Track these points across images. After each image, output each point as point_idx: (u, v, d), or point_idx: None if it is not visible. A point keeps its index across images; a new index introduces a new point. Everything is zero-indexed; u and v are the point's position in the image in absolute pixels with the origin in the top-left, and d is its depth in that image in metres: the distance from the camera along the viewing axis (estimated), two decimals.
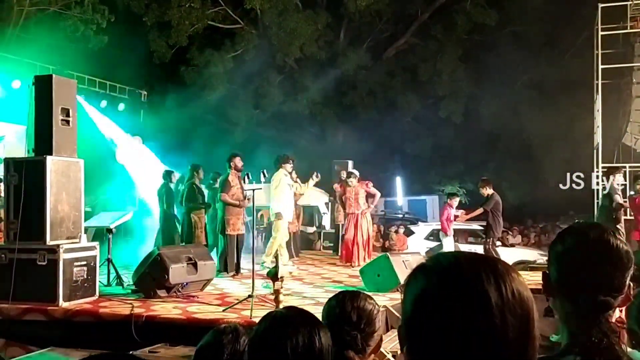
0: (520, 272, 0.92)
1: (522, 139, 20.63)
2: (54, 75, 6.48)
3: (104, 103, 13.49)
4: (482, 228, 11.51)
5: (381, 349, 4.91)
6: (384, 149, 20.87)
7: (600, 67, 12.53)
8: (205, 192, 9.76)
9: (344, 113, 21.31)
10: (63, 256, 5.96)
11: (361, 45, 21.12)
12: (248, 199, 8.47)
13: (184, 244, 8.94)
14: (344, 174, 10.92)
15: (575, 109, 17.04)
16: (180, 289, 6.62)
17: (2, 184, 7.32)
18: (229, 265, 8.54)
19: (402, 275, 6.85)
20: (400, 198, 21.49)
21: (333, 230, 12.77)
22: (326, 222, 14.40)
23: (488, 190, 9.53)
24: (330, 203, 13.53)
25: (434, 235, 13.19)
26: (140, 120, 14.86)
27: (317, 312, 2.01)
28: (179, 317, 5.63)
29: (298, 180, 10.10)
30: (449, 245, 10.21)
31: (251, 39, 19.96)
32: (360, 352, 2.14)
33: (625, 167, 11.32)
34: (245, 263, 8.74)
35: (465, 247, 12.51)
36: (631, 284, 1.34)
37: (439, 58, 20.42)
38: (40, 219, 5.96)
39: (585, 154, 14.37)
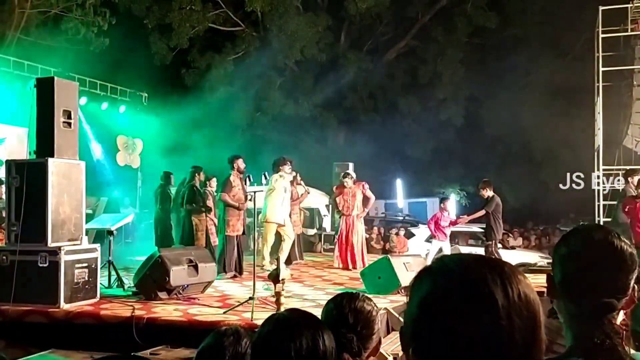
0: None
1: (523, 142, 20.63)
2: (55, 78, 6.49)
3: (105, 105, 13.52)
4: (482, 230, 11.51)
5: (382, 351, 4.90)
6: (385, 151, 20.87)
7: (601, 69, 12.55)
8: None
9: (344, 115, 21.32)
10: (64, 258, 5.95)
11: (362, 48, 21.15)
12: (250, 200, 8.49)
13: (183, 245, 8.95)
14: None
15: (576, 112, 17.05)
16: (181, 291, 6.62)
17: (3, 186, 7.32)
18: (227, 266, 8.53)
19: (403, 277, 6.85)
20: (401, 200, 21.49)
21: (333, 233, 12.76)
22: (327, 224, 14.40)
23: (488, 192, 9.51)
24: (330, 205, 13.53)
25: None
26: (141, 123, 14.88)
27: (318, 314, 2.01)
28: (180, 319, 5.63)
29: (302, 182, 10.12)
30: (434, 249, 10.21)
31: (252, 41, 20.00)
32: (357, 355, 2.13)
33: (626, 170, 11.31)
34: (246, 266, 8.75)
35: (465, 249, 12.51)
36: (635, 286, 1.34)
37: (440, 61, 20.44)
38: (41, 221, 5.96)
39: (586, 157, 14.38)
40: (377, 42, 21.71)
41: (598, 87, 12.78)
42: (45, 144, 6.11)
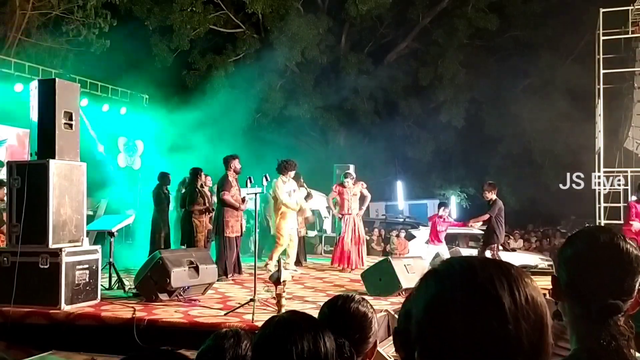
0: None
1: (523, 144, 20.65)
2: (57, 79, 6.49)
3: (106, 107, 13.51)
4: (482, 232, 11.48)
5: (383, 353, 4.89)
6: (385, 153, 20.88)
7: (602, 72, 12.56)
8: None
9: (345, 117, 21.32)
10: (65, 259, 5.95)
11: (362, 50, 21.16)
12: (247, 202, 8.48)
13: (184, 247, 8.94)
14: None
15: (577, 114, 17.06)
16: (181, 293, 6.62)
17: (4, 187, 7.32)
18: (228, 269, 8.48)
19: (404, 279, 6.84)
20: (401, 202, 21.47)
21: (334, 234, 12.75)
22: (327, 226, 14.38)
23: (492, 195, 9.49)
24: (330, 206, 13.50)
25: None
26: (142, 124, 14.87)
27: None
28: (180, 321, 5.62)
29: (304, 184, 10.09)
30: (430, 254, 10.17)
31: (253, 43, 20.01)
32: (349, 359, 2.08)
33: (627, 172, 11.32)
34: (247, 268, 8.74)
35: (466, 252, 12.49)
36: None
37: (440, 63, 20.44)
38: (42, 222, 5.96)
39: (586, 159, 14.38)
40: (378, 44, 21.72)
41: (599, 89, 12.79)
42: (46, 145, 6.11)
